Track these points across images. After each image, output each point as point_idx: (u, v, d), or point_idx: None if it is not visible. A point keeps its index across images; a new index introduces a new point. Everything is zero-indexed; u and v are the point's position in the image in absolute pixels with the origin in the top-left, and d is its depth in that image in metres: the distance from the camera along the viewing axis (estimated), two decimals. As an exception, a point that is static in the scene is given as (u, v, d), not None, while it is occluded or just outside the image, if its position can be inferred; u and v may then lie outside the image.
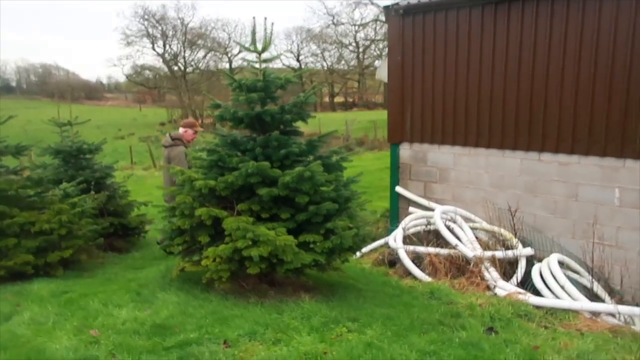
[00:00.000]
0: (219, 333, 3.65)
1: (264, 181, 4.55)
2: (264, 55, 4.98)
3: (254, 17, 4.81)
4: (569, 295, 5.36)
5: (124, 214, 7.05)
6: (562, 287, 5.44)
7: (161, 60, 47.44)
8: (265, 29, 4.76)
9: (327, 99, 62.89)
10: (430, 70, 7.55)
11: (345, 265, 5.93)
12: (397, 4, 7.70)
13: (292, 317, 4.04)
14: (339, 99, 63.43)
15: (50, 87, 73.59)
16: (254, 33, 4.84)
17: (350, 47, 50.41)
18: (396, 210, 8.32)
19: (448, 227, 6.79)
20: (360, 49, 49.52)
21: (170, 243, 4.94)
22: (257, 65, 4.89)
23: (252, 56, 4.92)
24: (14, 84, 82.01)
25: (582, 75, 6.23)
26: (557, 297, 5.41)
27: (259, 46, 4.89)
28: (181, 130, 6.58)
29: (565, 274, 5.91)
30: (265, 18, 4.79)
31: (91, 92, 75.88)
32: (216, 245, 4.47)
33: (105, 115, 51.73)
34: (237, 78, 4.82)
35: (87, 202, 5.87)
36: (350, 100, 62.76)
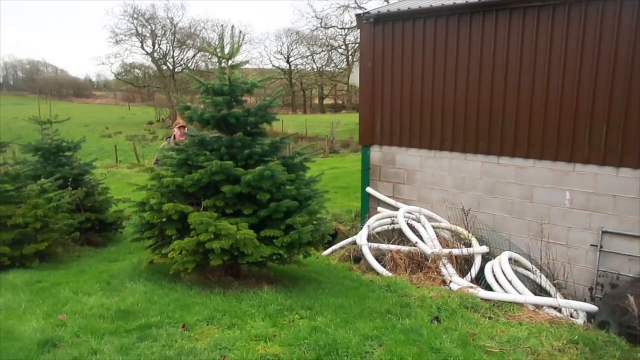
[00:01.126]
0: (178, 318, 3.95)
1: (228, 179, 4.87)
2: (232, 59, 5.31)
3: (222, 25, 5.14)
4: (516, 289, 5.73)
5: (101, 210, 7.30)
6: (510, 282, 5.81)
7: (150, 59, 47.49)
8: (233, 37, 5.09)
9: (316, 101, 63.25)
10: (398, 76, 7.91)
11: (311, 260, 6.29)
12: (368, 12, 8.06)
13: (250, 305, 4.36)
14: (328, 101, 63.81)
15: (38, 83, 73.26)
16: (222, 39, 5.15)
17: (340, 50, 50.80)
18: (366, 209, 8.66)
19: (411, 226, 7.15)
20: (350, 52, 49.92)
21: (141, 237, 5.25)
22: (225, 70, 5.20)
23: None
24: (0, 80, 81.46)
25: (536, 85, 6.62)
26: (505, 291, 5.78)
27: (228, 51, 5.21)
28: None
29: (517, 271, 6.29)
30: (233, 26, 5.12)
31: (80, 90, 75.47)
32: (182, 239, 4.78)
33: (93, 113, 51.66)
34: (203, 81, 5.11)
35: (63, 197, 6.13)
36: (340, 102, 63.16)
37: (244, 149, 5.01)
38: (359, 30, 8.43)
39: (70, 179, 6.90)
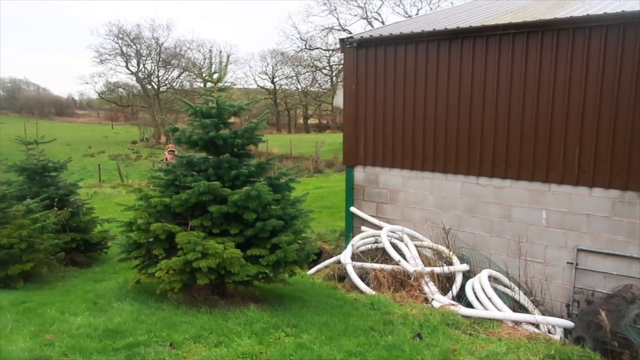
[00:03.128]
0: (166, 336, 4.02)
1: (215, 199, 4.98)
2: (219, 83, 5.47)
3: (210, 50, 5.31)
4: (495, 306, 5.89)
5: (86, 230, 7.33)
6: (490, 299, 5.98)
7: (135, 78, 47.48)
8: (221, 62, 5.26)
9: (301, 121, 63.72)
10: (381, 98, 8.15)
11: (296, 279, 6.39)
12: (351, 37, 8.33)
13: (236, 323, 4.43)
14: (313, 121, 64.34)
15: (20, 102, 72.53)
16: (210, 65, 5.33)
17: (324, 71, 51.49)
18: (351, 229, 8.80)
19: (394, 245, 7.29)
20: (334, 73, 50.62)
21: (128, 256, 5.31)
22: (213, 94, 5.35)
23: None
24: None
25: (512, 108, 6.90)
26: (485, 308, 5.93)
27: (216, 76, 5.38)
28: None
29: (496, 289, 6.46)
30: (220, 51, 5.30)
31: (62, 109, 74.83)
32: (169, 258, 4.85)
33: (76, 132, 51.20)
34: (192, 104, 5.26)
35: (49, 218, 6.16)
36: (324, 122, 63.74)
37: (231, 170, 5.14)
38: (343, 54, 8.69)
39: (56, 199, 6.93)
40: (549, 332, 5.93)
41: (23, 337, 3.91)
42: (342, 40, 8.59)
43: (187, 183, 5.10)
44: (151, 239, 5.07)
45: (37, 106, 69.53)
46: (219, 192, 4.93)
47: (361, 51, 8.30)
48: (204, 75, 5.43)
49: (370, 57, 8.20)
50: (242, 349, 3.83)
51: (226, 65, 5.33)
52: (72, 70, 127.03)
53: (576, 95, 6.40)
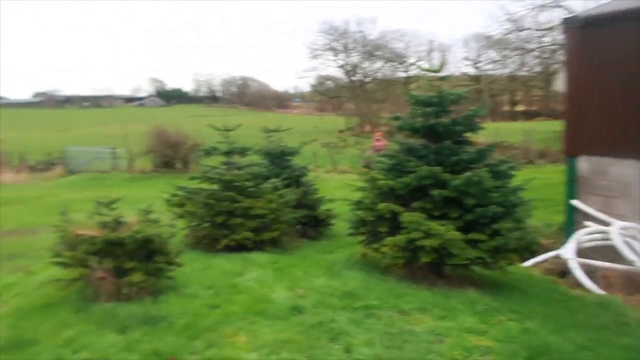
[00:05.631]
0: (394, 304, 4.49)
1: (436, 184, 5.27)
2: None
3: (430, 41, 5.58)
4: None
5: (314, 208, 8.36)
6: None
7: (342, 71, 50.67)
8: (442, 52, 5.50)
9: (506, 108, 59.67)
10: (612, 83, 7.32)
11: (512, 269, 6.29)
12: (576, 16, 7.66)
13: (458, 302, 4.67)
14: (520, 107, 59.62)
15: (247, 97, 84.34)
16: (430, 57, 5.61)
17: (535, 53, 47.09)
18: (571, 223, 8.17)
19: (627, 244, 6.57)
20: (546, 54, 45.94)
21: (355, 232, 5.99)
22: (433, 83, 5.62)
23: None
24: (219, 94, 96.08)
25: None
26: None
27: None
28: None
29: None
30: (432, 41, 5.51)
31: (281, 101, 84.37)
32: (393, 236, 5.33)
33: (290, 122, 56.99)
34: (415, 94, 5.61)
35: (289, 195, 7.26)
36: (534, 109, 58.48)
37: (452, 156, 5.36)
38: (563, 34, 8.05)
39: (292, 180, 8.09)
40: None
41: (282, 288, 4.82)
42: (565, 20, 7.97)
43: (408, 167, 5.49)
44: (374, 218, 5.63)
45: (259, 100, 79.84)
46: (440, 176, 5.20)
47: (587, 30, 7.57)
48: (416, 63, 5.74)
49: (599, 37, 7.44)
50: (467, 325, 4.06)
51: (444, 56, 5.54)
52: (291, 67, 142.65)
53: None
